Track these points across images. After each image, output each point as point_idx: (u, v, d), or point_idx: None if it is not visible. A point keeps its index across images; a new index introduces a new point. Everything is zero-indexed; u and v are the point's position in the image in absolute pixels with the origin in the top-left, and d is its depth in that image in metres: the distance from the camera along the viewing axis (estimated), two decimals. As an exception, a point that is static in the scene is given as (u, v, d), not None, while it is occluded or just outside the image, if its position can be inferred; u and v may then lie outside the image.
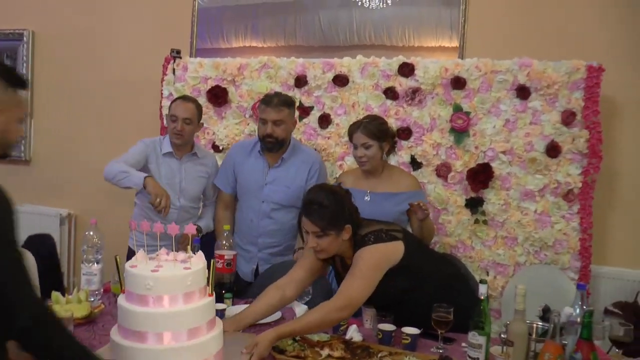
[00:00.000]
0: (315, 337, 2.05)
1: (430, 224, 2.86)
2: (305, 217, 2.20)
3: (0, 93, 1.59)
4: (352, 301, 2.10)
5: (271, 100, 2.96)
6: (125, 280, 1.81)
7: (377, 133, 2.79)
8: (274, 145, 2.98)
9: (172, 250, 1.87)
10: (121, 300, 1.80)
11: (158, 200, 2.77)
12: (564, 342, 1.80)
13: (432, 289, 2.30)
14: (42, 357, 1.52)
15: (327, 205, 2.18)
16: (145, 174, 2.86)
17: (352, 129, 2.85)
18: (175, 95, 3.66)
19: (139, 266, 1.80)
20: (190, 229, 1.90)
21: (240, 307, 2.45)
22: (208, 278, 1.87)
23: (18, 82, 1.66)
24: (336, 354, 1.95)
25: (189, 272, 1.78)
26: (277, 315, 2.39)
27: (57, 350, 1.51)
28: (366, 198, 2.82)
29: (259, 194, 3.03)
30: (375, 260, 2.19)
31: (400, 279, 2.23)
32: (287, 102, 2.98)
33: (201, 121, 3.16)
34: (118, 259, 1.96)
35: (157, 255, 1.88)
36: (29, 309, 1.46)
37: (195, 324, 1.76)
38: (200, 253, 1.92)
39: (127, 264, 1.81)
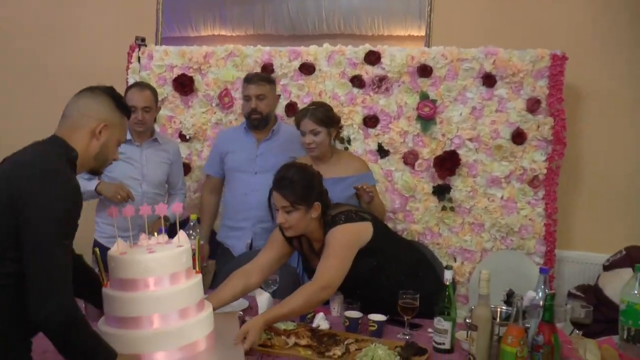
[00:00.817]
0: (282, 326, 2.05)
1: (378, 204, 2.90)
2: (276, 192, 2.21)
3: (110, 112, 1.74)
4: (332, 281, 2.12)
5: (252, 77, 3.08)
6: (114, 270, 1.76)
7: (324, 119, 2.82)
8: (260, 122, 3.07)
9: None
10: (110, 291, 1.76)
11: (117, 195, 2.84)
12: (526, 325, 1.82)
13: (398, 273, 2.32)
14: (66, 354, 1.55)
15: (298, 180, 2.20)
16: (95, 184, 2.88)
17: (300, 117, 2.87)
18: (141, 84, 3.62)
19: (129, 252, 1.78)
20: (162, 209, 1.91)
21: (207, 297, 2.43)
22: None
23: (125, 109, 1.81)
24: (303, 342, 1.95)
25: (182, 249, 1.81)
26: (245, 304, 2.38)
27: (80, 348, 1.54)
28: None
29: (251, 166, 3.09)
30: (348, 239, 2.21)
31: (368, 259, 2.25)
32: (267, 79, 3.11)
33: (159, 105, 3.19)
34: (97, 252, 1.89)
35: (139, 241, 1.86)
36: (58, 306, 1.46)
37: (191, 302, 1.81)
38: (181, 231, 1.92)
39: (113, 253, 1.77)
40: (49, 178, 1.54)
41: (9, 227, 1.50)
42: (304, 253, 2.41)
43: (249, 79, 3.09)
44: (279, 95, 3.41)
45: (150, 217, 1.97)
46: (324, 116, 2.83)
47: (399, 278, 2.29)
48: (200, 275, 1.89)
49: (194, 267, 1.90)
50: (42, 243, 1.48)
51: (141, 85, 3.12)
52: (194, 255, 1.91)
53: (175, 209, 1.96)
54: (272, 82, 3.14)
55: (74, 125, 1.69)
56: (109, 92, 1.77)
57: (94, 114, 1.71)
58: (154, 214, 1.93)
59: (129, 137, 3.06)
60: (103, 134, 1.72)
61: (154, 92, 3.09)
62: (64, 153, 1.64)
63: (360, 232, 2.25)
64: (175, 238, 1.89)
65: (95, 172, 1.84)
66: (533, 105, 3.18)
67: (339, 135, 3.01)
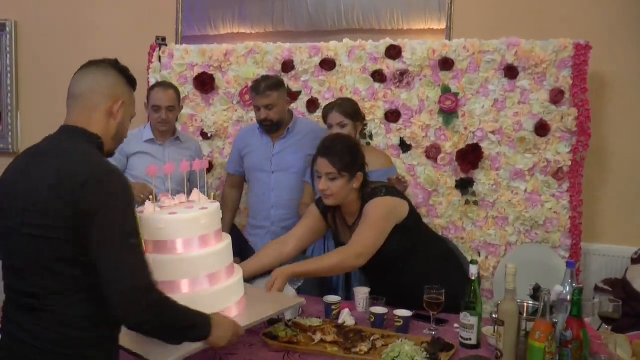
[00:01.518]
0: (308, 322, 2.05)
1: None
2: (322, 157, 2.25)
3: (123, 86, 1.61)
4: (367, 249, 2.16)
5: (258, 87, 2.99)
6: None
7: (351, 112, 2.86)
8: (271, 128, 3.06)
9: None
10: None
11: (141, 195, 2.75)
12: (554, 320, 1.80)
13: (428, 259, 2.35)
14: (165, 336, 1.54)
15: (344, 148, 2.27)
16: None
17: (327, 110, 2.91)
18: (162, 83, 3.65)
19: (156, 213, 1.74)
20: (185, 165, 1.92)
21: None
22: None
23: (134, 81, 1.67)
24: (329, 338, 1.95)
25: (205, 212, 1.77)
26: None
27: (176, 325, 1.52)
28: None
29: (267, 166, 3.11)
30: (387, 211, 2.25)
31: (399, 238, 2.27)
32: (274, 86, 3.00)
33: (181, 104, 3.22)
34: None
35: (161, 202, 1.84)
36: (146, 295, 1.44)
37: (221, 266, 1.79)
38: (195, 190, 1.92)
39: (143, 214, 1.72)
40: (108, 179, 1.47)
41: (77, 237, 1.43)
42: (337, 228, 2.43)
43: (255, 89, 3.01)
44: (299, 92, 3.42)
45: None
46: (351, 109, 2.87)
47: (427, 266, 2.31)
48: (229, 238, 1.86)
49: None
50: (117, 242, 1.43)
51: (164, 84, 3.14)
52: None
53: (197, 166, 1.93)
54: (279, 87, 3.03)
55: (88, 106, 1.56)
56: (117, 66, 1.62)
57: (108, 92, 1.57)
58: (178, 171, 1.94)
59: (151, 136, 3.10)
60: (120, 113, 1.59)
61: (177, 91, 3.11)
62: (94, 143, 1.55)
63: (398, 207, 2.29)
64: (195, 197, 1.87)
65: (111, 153, 1.67)
66: (556, 96, 3.14)
67: (363, 131, 3.02)
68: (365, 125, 3.06)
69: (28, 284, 1.46)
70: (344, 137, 2.44)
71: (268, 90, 2.97)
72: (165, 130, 3.08)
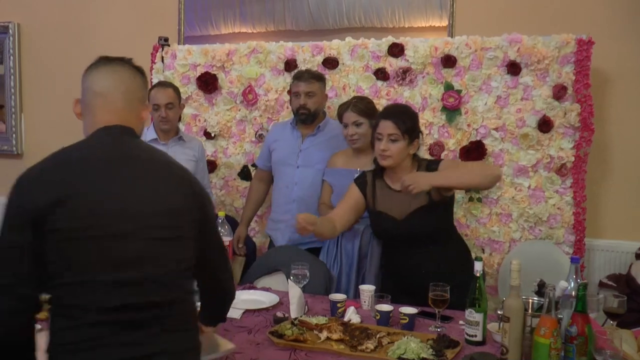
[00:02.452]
0: (314, 320, 2.06)
1: None
2: (387, 119, 2.41)
3: (146, 90, 1.60)
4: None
5: (302, 74, 3.12)
6: None
7: (367, 111, 2.86)
8: (307, 117, 3.10)
9: None
10: None
11: None
12: (559, 316, 1.81)
13: (454, 251, 2.47)
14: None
15: (408, 113, 2.47)
16: None
17: (343, 109, 2.92)
18: (165, 84, 3.66)
19: None
20: None
21: (238, 293, 2.47)
22: None
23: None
24: (335, 336, 1.96)
25: None
26: (275, 299, 2.41)
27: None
28: (356, 176, 2.86)
29: (293, 160, 3.14)
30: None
31: (442, 214, 2.45)
32: (317, 76, 3.14)
33: (182, 102, 3.26)
34: None
35: None
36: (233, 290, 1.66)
37: None
38: None
39: None
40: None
41: (197, 239, 1.45)
42: (375, 198, 2.52)
43: (298, 76, 3.11)
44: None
45: None
46: (367, 108, 2.88)
47: (453, 256, 2.42)
48: None
49: None
50: (222, 246, 1.60)
51: (163, 83, 3.20)
52: None
53: None
54: (322, 79, 3.15)
55: (125, 110, 1.47)
56: (141, 70, 1.55)
57: (141, 98, 1.52)
58: None
59: (155, 136, 3.13)
60: (147, 117, 1.57)
61: (176, 89, 3.15)
62: None
63: None
64: None
65: None
66: (559, 92, 3.14)
67: None
68: None
69: (147, 295, 1.35)
70: (405, 105, 2.69)
71: (312, 78, 3.08)
72: (167, 128, 3.11)
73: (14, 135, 4.43)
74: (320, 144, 3.13)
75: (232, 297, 1.66)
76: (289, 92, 3.28)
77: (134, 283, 1.33)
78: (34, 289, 1.31)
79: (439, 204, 2.41)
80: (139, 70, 1.54)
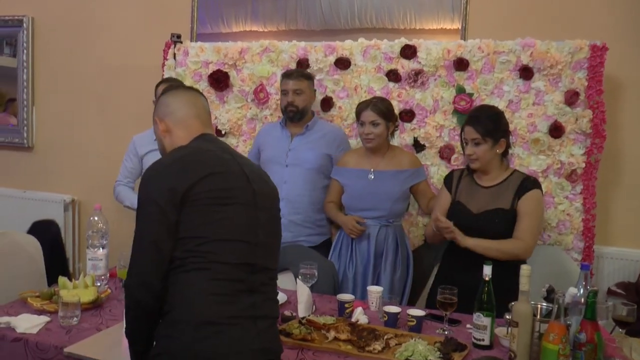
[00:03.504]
0: (322, 320, 2.07)
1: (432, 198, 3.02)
2: (468, 125, 2.54)
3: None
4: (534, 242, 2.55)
5: (292, 73, 3.21)
6: None
7: (385, 112, 2.89)
8: (295, 114, 3.15)
9: None
10: None
11: None
12: (568, 322, 1.81)
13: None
14: None
15: (487, 116, 2.55)
16: None
17: (362, 107, 2.94)
18: (177, 80, 3.66)
19: None
20: None
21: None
22: None
23: None
24: (342, 336, 1.96)
25: None
26: (283, 298, 2.41)
27: None
28: (370, 176, 2.93)
29: (282, 159, 3.16)
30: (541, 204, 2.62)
31: (509, 220, 2.51)
32: (305, 75, 3.22)
33: None
34: None
35: None
36: None
37: None
38: None
39: None
40: None
41: None
42: (460, 194, 2.64)
43: (287, 74, 3.19)
44: (314, 91, 3.41)
45: None
46: (386, 109, 2.90)
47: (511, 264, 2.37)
48: None
49: None
50: None
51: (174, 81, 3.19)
52: None
53: None
54: (310, 78, 3.23)
55: (208, 122, 1.81)
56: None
57: (209, 113, 1.87)
58: None
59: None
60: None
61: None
62: None
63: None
64: None
65: None
66: (571, 98, 3.13)
67: (394, 132, 3.05)
68: (397, 126, 3.07)
69: (271, 261, 1.70)
70: (489, 107, 2.78)
71: (300, 76, 3.17)
72: None
73: (25, 128, 4.46)
74: (309, 143, 3.16)
75: None
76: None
77: (256, 245, 1.61)
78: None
79: (515, 214, 2.49)
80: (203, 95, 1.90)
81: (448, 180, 2.72)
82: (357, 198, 2.94)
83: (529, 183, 2.52)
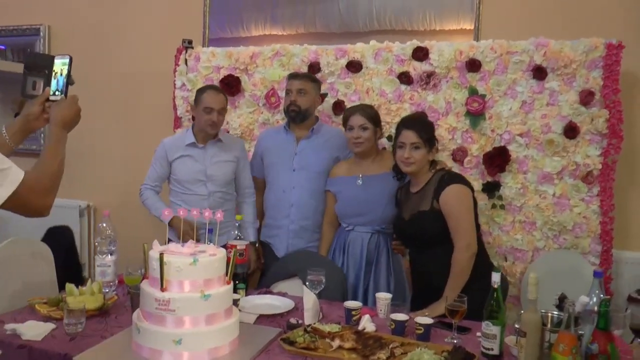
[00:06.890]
0: (327, 328, 2.04)
1: None
2: (409, 129, 2.61)
3: None
4: (471, 238, 2.53)
5: (297, 74, 3.22)
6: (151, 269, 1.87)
7: (374, 117, 2.94)
8: (297, 114, 3.12)
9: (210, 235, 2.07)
10: (147, 287, 1.86)
11: (186, 236, 2.39)
12: (580, 332, 1.75)
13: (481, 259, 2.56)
14: None
15: (426, 123, 2.72)
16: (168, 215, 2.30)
17: (350, 112, 2.97)
18: (188, 86, 3.69)
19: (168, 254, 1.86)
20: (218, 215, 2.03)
21: (253, 297, 2.48)
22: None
23: None
24: (347, 345, 1.93)
25: (216, 258, 1.87)
26: (291, 304, 2.39)
27: None
28: (358, 182, 2.96)
29: (289, 163, 3.14)
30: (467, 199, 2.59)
31: (437, 220, 2.54)
32: (311, 77, 3.22)
33: None
34: (145, 247, 1.97)
35: (186, 245, 1.95)
36: None
37: (214, 310, 1.84)
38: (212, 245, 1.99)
39: (152, 253, 1.88)
40: None
41: None
42: (400, 202, 2.76)
43: (294, 75, 3.20)
44: (325, 95, 3.39)
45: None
46: (374, 114, 2.96)
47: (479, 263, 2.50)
48: (230, 285, 1.92)
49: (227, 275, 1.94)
50: None
51: (216, 88, 3.20)
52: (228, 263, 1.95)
53: (218, 219, 2.03)
54: (315, 81, 3.22)
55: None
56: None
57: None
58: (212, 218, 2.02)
59: (193, 139, 3.12)
60: None
61: (226, 96, 3.18)
62: None
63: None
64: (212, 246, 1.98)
65: None
66: (586, 98, 3.05)
67: (381, 137, 3.10)
68: (383, 132, 3.10)
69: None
70: (423, 114, 3.02)
71: (305, 78, 3.17)
72: (215, 132, 3.11)
73: (42, 135, 4.50)
74: (316, 146, 3.14)
75: None
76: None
77: None
78: None
79: (438, 213, 2.52)
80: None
81: (396, 195, 2.84)
82: (348, 205, 2.95)
83: (444, 180, 2.56)
